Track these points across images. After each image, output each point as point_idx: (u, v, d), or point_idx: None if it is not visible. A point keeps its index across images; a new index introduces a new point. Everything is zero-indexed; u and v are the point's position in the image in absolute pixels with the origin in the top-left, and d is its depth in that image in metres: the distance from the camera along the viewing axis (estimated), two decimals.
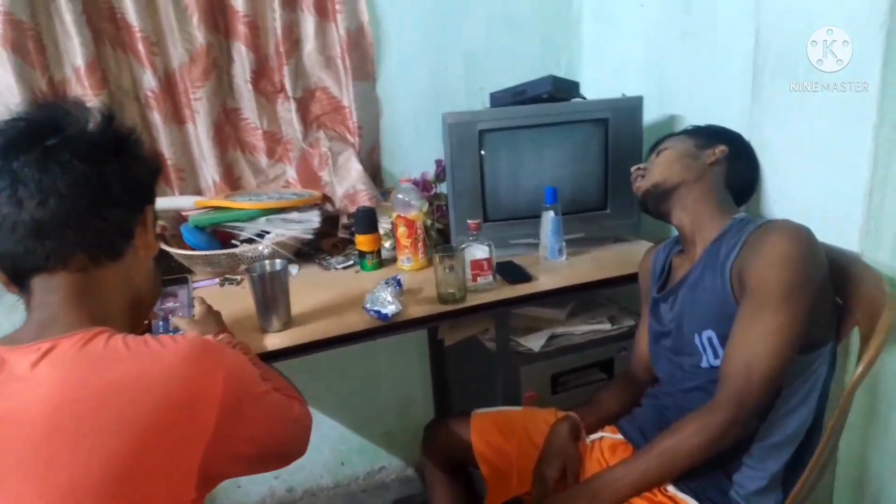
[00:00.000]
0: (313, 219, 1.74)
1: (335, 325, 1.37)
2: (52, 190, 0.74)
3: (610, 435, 1.31)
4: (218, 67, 1.79)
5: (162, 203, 1.71)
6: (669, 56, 1.73)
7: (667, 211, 1.30)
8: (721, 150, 1.29)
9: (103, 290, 0.80)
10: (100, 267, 0.80)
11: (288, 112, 1.89)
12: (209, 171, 1.85)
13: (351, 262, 1.75)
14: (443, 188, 1.82)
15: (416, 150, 1.98)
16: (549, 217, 1.59)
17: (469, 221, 1.52)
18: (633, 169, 1.38)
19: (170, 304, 1.26)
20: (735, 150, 1.31)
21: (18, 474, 0.67)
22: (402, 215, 1.63)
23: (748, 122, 1.43)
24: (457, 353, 1.91)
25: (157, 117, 1.76)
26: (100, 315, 0.78)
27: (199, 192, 1.87)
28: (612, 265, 1.63)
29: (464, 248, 1.48)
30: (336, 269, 1.74)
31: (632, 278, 1.51)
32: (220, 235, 1.72)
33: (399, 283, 1.47)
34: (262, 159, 1.92)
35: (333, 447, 2.22)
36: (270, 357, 1.29)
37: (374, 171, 2.00)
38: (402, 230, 1.64)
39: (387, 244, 1.75)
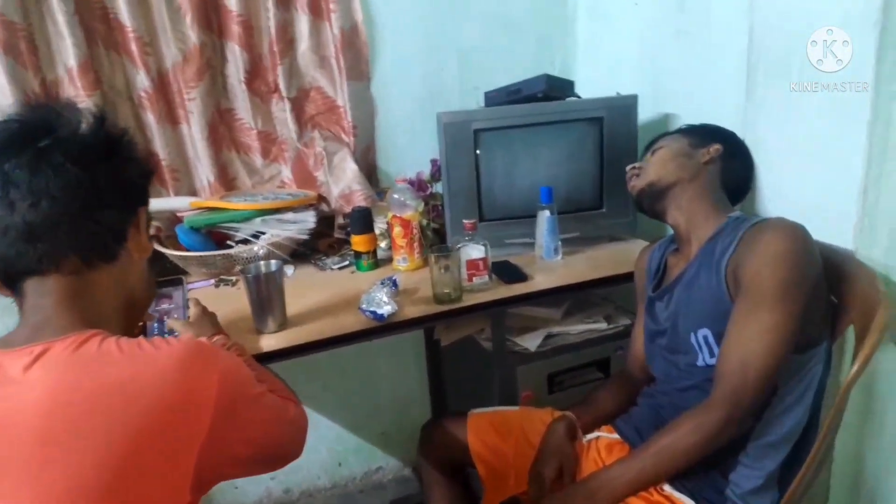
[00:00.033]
0: (309, 219, 1.74)
1: (331, 325, 1.37)
2: (44, 192, 0.73)
3: (606, 434, 1.31)
4: (212, 67, 1.78)
5: (157, 204, 1.71)
6: (664, 54, 1.73)
7: (662, 210, 1.30)
8: (715, 148, 1.29)
9: (96, 293, 0.80)
10: (93, 269, 0.79)
11: (282, 112, 1.89)
12: (204, 171, 1.84)
13: (347, 263, 1.75)
14: (438, 188, 1.82)
15: (411, 150, 1.98)
16: (544, 216, 1.59)
17: (465, 221, 1.52)
18: (628, 168, 1.38)
19: (165, 306, 1.25)
20: (729, 149, 1.31)
21: (12, 477, 0.66)
22: (398, 215, 1.63)
23: (742, 121, 1.43)
24: (453, 353, 1.91)
25: (150, 118, 1.75)
26: (93, 317, 0.78)
27: (193, 192, 1.86)
28: (607, 264, 1.62)
29: (459, 247, 1.48)
30: (332, 269, 1.74)
31: (627, 277, 1.51)
32: (215, 236, 1.72)
33: (395, 284, 1.47)
34: (257, 159, 1.92)
35: (330, 448, 2.21)
36: (266, 358, 1.29)
37: (370, 171, 2.00)
38: (397, 230, 1.64)
39: (383, 244, 1.75)
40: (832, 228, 1.23)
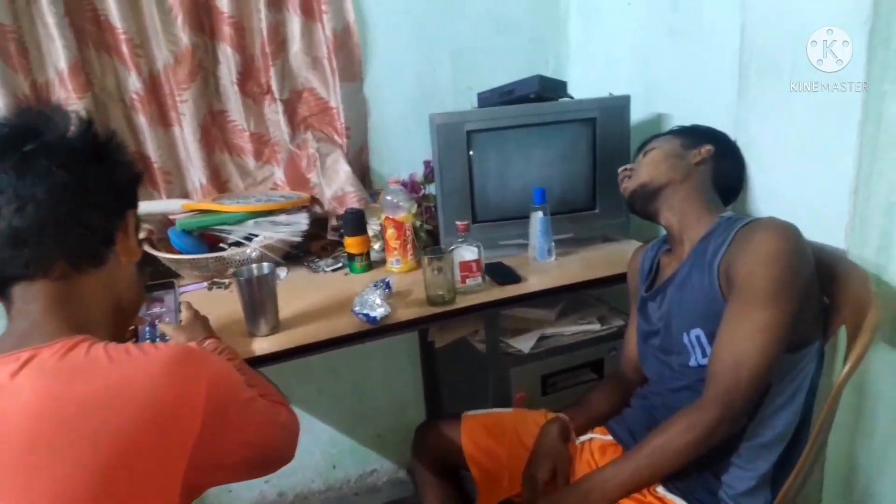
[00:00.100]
0: (301, 221, 1.73)
1: (324, 328, 1.37)
2: (30, 196, 0.72)
3: (599, 436, 1.31)
4: (203, 69, 1.78)
5: (149, 206, 1.71)
6: (657, 54, 1.73)
7: (654, 211, 1.30)
8: (707, 149, 1.29)
9: (85, 298, 0.79)
10: (81, 274, 0.78)
11: (275, 113, 1.88)
12: (196, 173, 1.83)
13: (340, 265, 1.74)
14: (431, 189, 1.82)
15: (404, 151, 1.98)
16: (537, 217, 1.59)
17: (457, 223, 1.52)
18: (620, 170, 1.39)
19: (156, 310, 1.25)
20: (721, 150, 1.32)
21: (0, 484, 0.66)
22: (391, 217, 1.63)
23: (734, 121, 1.43)
24: (447, 355, 1.91)
25: (142, 120, 1.75)
26: (81, 323, 0.77)
27: (186, 195, 1.86)
28: (601, 265, 1.63)
29: (452, 249, 1.47)
30: (325, 271, 1.73)
31: (621, 278, 1.51)
32: (207, 239, 1.71)
33: (388, 286, 1.47)
34: (250, 161, 1.91)
35: (324, 450, 2.21)
36: (258, 362, 1.28)
37: (363, 173, 2.00)
38: (390, 232, 1.63)
39: (376, 246, 1.74)
40: (824, 228, 1.23)
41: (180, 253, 1.65)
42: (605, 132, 1.68)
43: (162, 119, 1.78)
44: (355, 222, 1.66)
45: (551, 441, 1.28)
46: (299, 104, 1.91)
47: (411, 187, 1.81)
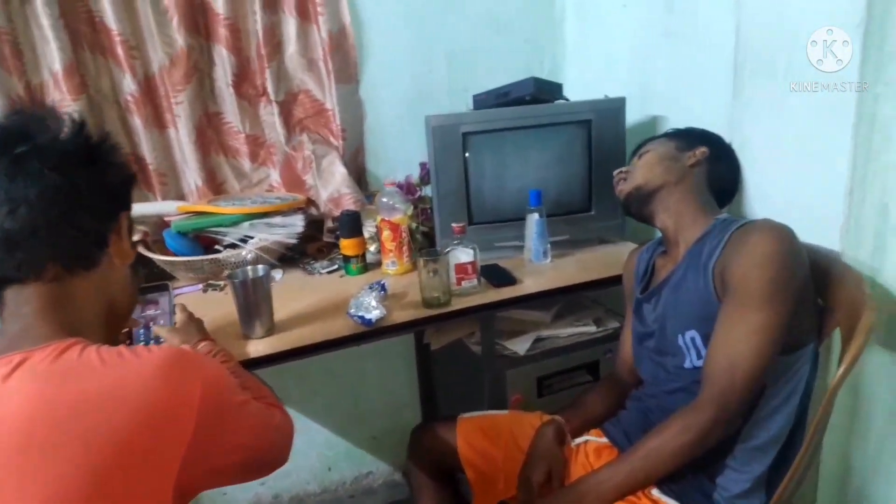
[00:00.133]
0: (297, 223, 1.73)
1: (319, 330, 1.36)
2: (22, 199, 0.72)
3: (595, 438, 1.31)
4: (199, 71, 1.77)
5: (144, 208, 1.70)
6: (652, 56, 1.74)
7: (649, 213, 1.31)
8: (702, 151, 1.30)
9: (77, 300, 0.79)
10: (74, 276, 0.78)
11: (270, 115, 1.88)
12: (192, 175, 1.83)
13: (335, 267, 1.74)
14: (427, 191, 1.81)
15: (400, 153, 1.98)
16: (533, 219, 1.59)
17: (453, 225, 1.51)
18: (615, 173, 1.39)
19: (151, 312, 1.24)
20: (715, 152, 1.32)
21: None
22: (387, 219, 1.62)
23: (729, 122, 1.43)
24: (443, 357, 1.90)
25: (137, 122, 1.74)
26: (74, 325, 0.77)
27: (181, 196, 1.85)
28: (596, 267, 1.63)
29: (448, 251, 1.47)
30: (320, 273, 1.73)
31: (617, 280, 1.51)
32: (203, 241, 1.70)
33: (383, 288, 1.46)
34: (246, 163, 1.91)
35: (320, 452, 2.20)
36: (254, 364, 1.28)
37: (359, 175, 2.00)
38: (386, 234, 1.63)
39: (372, 248, 1.74)
40: (818, 230, 1.24)
41: (175, 255, 1.65)
42: (601, 134, 1.68)
43: (157, 121, 1.78)
44: (351, 224, 1.66)
45: (547, 443, 1.28)
46: (295, 106, 1.91)
47: (407, 189, 1.80)
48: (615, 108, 1.68)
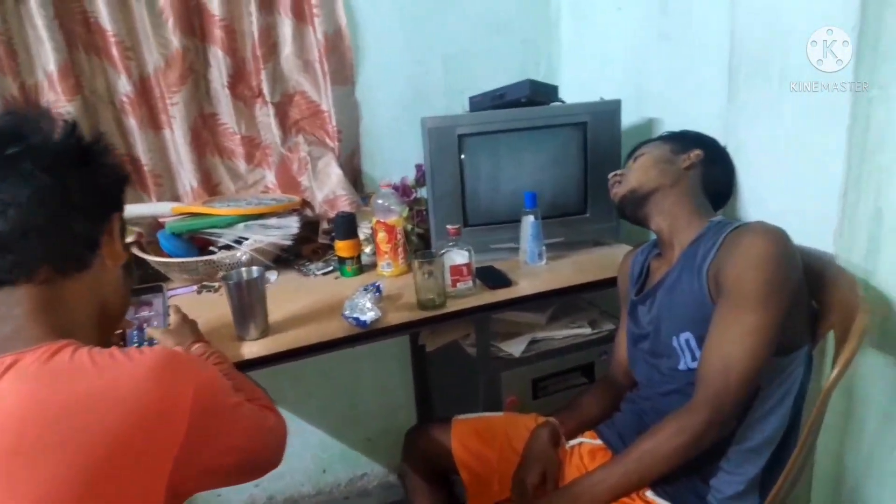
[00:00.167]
0: (292, 224, 1.72)
1: (314, 332, 1.36)
2: (12, 201, 0.72)
3: (589, 440, 1.31)
4: (194, 72, 1.77)
5: (138, 209, 1.70)
6: (647, 58, 1.74)
7: (644, 216, 1.31)
8: (696, 154, 1.30)
9: (69, 302, 0.78)
10: (66, 278, 0.78)
11: (266, 117, 1.88)
12: (187, 176, 1.83)
13: (331, 268, 1.74)
14: (423, 193, 1.81)
15: (396, 155, 1.98)
16: (528, 221, 1.60)
17: (448, 227, 1.52)
18: (610, 176, 1.39)
19: (145, 313, 1.24)
20: (710, 155, 1.32)
21: None
22: (382, 220, 1.62)
23: (724, 125, 1.44)
24: (438, 359, 1.90)
25: (132, 122, 1.74)
26: (66, 327, 0.76)
27: (176, 198, 1.85)
28: (591, 269, 1.63)
29: (443, 253, 1.47)
30: (316, 275, 1.73)
31: (612, 282, 1.51)
32: (197, 242, 1.70)
33: (378, 290, 1.46)
34: (241, 164, 1.91)
35: (315, 454, 2.20)
36: (248, 366, 1.28)
37: (355, 176, 1.99)
38: (381, 235, 1.63)
39: (367, 250, 1.74)
40: (812, 232, 1.24)
41: (170, 256, 1.64)
42: (596, 136, 1.68)
43: (152, 122, 1.77)
44: (346, 226, 1.65)
45: (541, 445, 1.28)
46: (290, 107, 1.91)
47: (403, 191, 1.81)
48: (610, 110, 1.69)
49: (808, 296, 1.15)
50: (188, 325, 1.18)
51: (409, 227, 1.74)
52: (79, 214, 0.78)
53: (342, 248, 1.66)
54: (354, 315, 1.35)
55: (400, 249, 1.64)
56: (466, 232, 1.61)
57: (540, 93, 1.74)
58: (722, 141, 1.42)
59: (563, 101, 1.81)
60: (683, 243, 1.23)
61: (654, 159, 1.31)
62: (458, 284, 1.49)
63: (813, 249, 1.23)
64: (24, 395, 0.68)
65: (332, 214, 1.79)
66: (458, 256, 1.48)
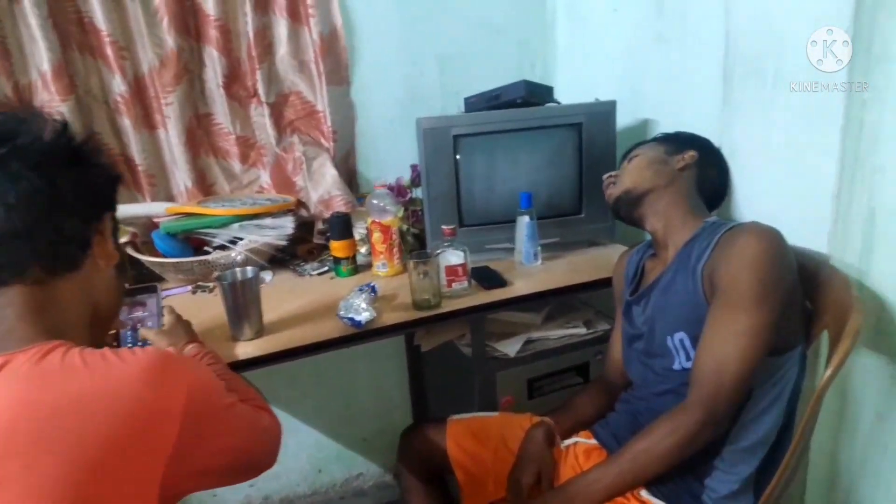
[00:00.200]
0: (287, 225, 1.72)
1: (309, 332, 1.36)
2: (2, 201, 0.72)
3: (584, 440, 1.31)
4: (189, 72, 1.77)
5: (133, 209, 1.69)
6: (643, 60, 1.74)
7: (639, 217, 1.31)
8: (691, 155, 1.30)
9: (61, 302, 0.78)
10: (57, 278, 0.78)
11: (261, 117, 1.87)
12: (181, 176, 1.82)
13: (326, 269, 1.74)
14: (418, 193, 1.81)
15: (391, 155, 1.97)
16: (524, 222, 1.60)
17: (444, 227, 1.51)
18: (604, 177, 1.40)
19: (138, 314, 1.23)
20: (705, 156, 1.33)
21: None
22: (378, 221, 1.62)
23: (719, 126, 1.44)
24: (434, 359, 1.90)
25: (127, 122, 1.73)
26: (57, 327, 0.76)
27: (171, 198, 1.84)
28: (587, 269, 1.63)
29: (438, 253, 1.47)
30: (311, 275, 1.72)
31: (607, 282, 1.52)
32: (192, 242, 1.70)
33: (374, 290, 1.46)
34: (236, 165, 1.90)
35: (310, 454, 2.20)
36: (242, 366, 1.27)
37: (350, 176, 1.99)
38: (377, 236, 1.63)
39: (362, 250, 1.74)
40: (806, 233, 1.24)
41: (164, 256, 1.64)
42: (592, 137, 1.68)
43: (147, 122, 1.77)
44: (341, 226, 1.65)
45: (536, 445, 1.28)
46: (286, 107, 1.90)
47: (398, 191, 1.80)
48: (606, 111, 1.69)
49: (802, 296, 1.16)
50: (182, 326, 1.18)
51: (405, 227, 1.74)
52: (69, 214, 0.77)
53: (337, 248, 1.66)
54: (349, 315, 1.35)
55: (395, 250, 1.64)
56: (461, 232, 1.61)
57: (535, 94, 1.74)
58: (716, 142, 1.43)
59: (558, 102, 1.81)
60: (678, 244, 1.23)
61: (648, 160, 1.31)
62: (453, 284, 1.49)
63: (807, 250, 1.24)
64: (15, 395, 0.68)
65: (327, 215, 1.79)
66: (453, 257, 1.48)
